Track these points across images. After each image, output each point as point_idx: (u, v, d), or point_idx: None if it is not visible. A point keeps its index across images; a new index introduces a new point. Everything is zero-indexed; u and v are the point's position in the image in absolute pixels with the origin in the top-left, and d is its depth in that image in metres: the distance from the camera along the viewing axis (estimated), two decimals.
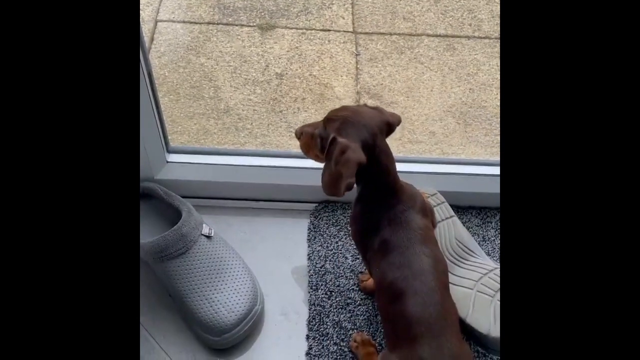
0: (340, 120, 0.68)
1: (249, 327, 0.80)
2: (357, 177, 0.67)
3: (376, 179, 0.70)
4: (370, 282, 0.85)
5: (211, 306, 0.78)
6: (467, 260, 0.85)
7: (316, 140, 0.70)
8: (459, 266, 0.84)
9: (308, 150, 0.73)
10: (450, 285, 0.76)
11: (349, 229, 0.78)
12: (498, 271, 0.82)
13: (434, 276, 0.67)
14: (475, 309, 0.79)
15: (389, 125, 0.70)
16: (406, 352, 0.65)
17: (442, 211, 0.88)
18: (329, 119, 0.69)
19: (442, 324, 0.65)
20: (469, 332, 0.79)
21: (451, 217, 0.88)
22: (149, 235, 0.84)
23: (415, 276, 0.67)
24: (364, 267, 0.88)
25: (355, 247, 0.85)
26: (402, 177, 0.80)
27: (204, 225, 0.84)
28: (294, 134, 0.75)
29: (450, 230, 0.87)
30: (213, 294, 0.79)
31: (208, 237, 0.83)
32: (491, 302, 0.79)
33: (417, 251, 0.68)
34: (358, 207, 0.74)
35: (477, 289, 0.81)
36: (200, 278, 0.80)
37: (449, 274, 0.76)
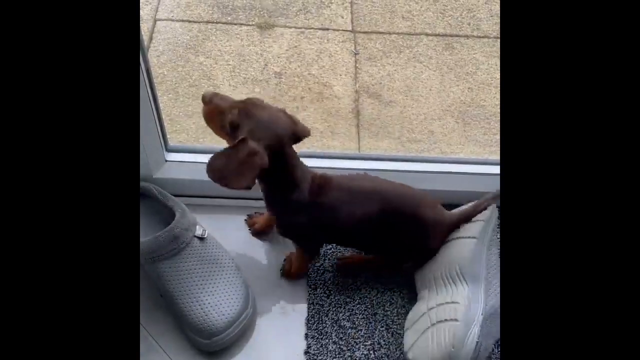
0: (256, 120, 0.69)
1: (239, 330, 0.79)
2: (262, 176, 0.72)
3: (279, 178, 0.74)
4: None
5: (202, 308, 0.78)
6: (452, 286, 0.79)
7: (225, 122, 0.70)
8: (440, 291, 0.80)
9: (211, 121, 0.73)
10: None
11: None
12: (462, 307, 0.75)
13: None
14: (413, 328, 0.79)
15: (296, 136, 0.73)
16: None
17: (472, 228, 0.82)
18: (246, 113, 0.70)
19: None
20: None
21: (472, 237, 0.81)
22: (143, 235, 0.84)
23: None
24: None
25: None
26: (401, 177, 0.80)
27: (197, 226, 0.84)
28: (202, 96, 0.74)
29: (460, 249, 0.80)
30: (204, 296, 0.79)
31: (201, 238, 0.83)
32: (429, 328, 0.76)
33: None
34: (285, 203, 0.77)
35: (430, 310, 0.78)
36: (192, 280, 0.80)
37: (434, 296, 0.79)
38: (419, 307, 0.80)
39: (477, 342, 0.72)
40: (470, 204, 0.83)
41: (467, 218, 0.82)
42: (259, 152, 0.68)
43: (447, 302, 0.76)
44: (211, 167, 0.70)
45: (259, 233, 0.92)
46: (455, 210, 0.83)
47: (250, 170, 0.68)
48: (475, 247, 0.79)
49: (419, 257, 0.83)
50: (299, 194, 0.75)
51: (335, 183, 0.77)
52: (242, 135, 0.68)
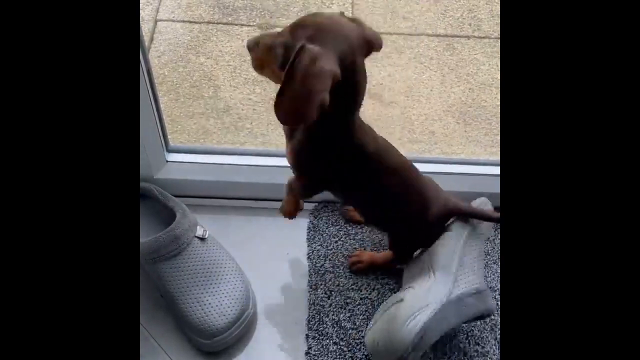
0: (313, 26, 0.55)
1: (240, 330, 0.79)
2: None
3: (346, 106, 0.60)
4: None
5: (202, 309, 0.78)
6: (422, 278, 0.79)
7: (276, 52, 0.57)
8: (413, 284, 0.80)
9: (263, 65, 0.61)
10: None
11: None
12: (413, 290, 0.77)
13: None
14: (378, 312, 0.79)
15: (369, 43, 0.59)
16: None
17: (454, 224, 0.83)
18: (298, 25, 0.56)
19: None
20: None
21: (449, 231, 0.82)
22: (144, 236, 0.84)
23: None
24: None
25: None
26: None
27: (197, 227, 0.84)
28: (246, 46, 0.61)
29: (437, 244, 0.81)
30: (205, 296, 0.79)
31: (202, 239, 0.83)
32: (385, 312, 0.77)
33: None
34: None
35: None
36: (192, 280, 0.80)
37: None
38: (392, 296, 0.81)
39: (422, 325, 0.72)
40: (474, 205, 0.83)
41: (462, 211, 0.80)
42: (325, 54, 0.53)
43: (405, 288, 0.78)
44: (277, 108, 0.56)
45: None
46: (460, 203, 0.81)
47: (319, 80, 0.53)
48: (447, 240, 0.80)
49: (416, 231, 0.81)
50: (356, 130, 0.64)
51: (381, 142, 0.72)
52: (299, 46, 0.54)
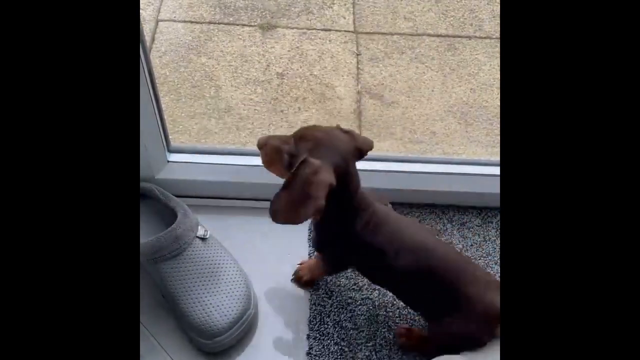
0: (313, 140, 0.66)
1: (241, 330, 0.79)
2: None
3: (343, 203, 0.69)
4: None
5: (203, 309, 0.78)
6: None
7: (283, 156, 0.67)
8: None
9: (271, 164, 0.70)
10: None
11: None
12: None
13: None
14: None
15: (359, 151, 0.69)
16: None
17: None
18: (301, 137, 0.67)
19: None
20: None
21: None
22: (145, 236, 0.84)
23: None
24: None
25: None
26: (402, 177, 0.80)
27: (199, 227, 0.84)
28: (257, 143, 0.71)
29: None
30: (206, 297, 0.79)
31: (203, 239, 0.83)
32: None
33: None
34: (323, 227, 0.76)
35: None
36: (193, 281, 0.80)
37: None
38: None
39: None
40: None
41: None
42: (324, 167, 0.63)
43: None
44: (275, 208, 0.65)
45: (307, 283, 0.88)
46: None
47: (318, 189, 0.62)
48: None
49: (452, 333, 0.73)
50: (359, 222, 0.71)
51: (391, 226, 0.73)
52: (302, 158, 0.64)
